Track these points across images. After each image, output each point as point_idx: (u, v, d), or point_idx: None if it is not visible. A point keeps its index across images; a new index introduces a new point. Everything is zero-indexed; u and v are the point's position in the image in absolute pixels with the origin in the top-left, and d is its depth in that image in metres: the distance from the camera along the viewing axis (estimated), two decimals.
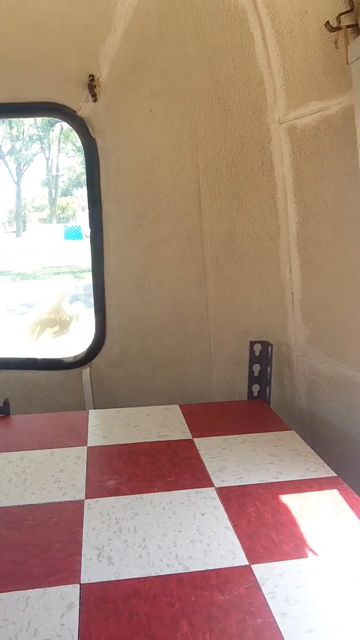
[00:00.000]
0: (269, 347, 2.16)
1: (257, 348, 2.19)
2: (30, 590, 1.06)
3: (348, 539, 1.22)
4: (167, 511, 1.33)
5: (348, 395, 1.96)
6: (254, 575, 1.09)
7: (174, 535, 1.23)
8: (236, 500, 1.38)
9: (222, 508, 1.34)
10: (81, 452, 1.69)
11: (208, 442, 1.74)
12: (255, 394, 2.18)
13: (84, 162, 2.55)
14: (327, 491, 1.42)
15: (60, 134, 30.08)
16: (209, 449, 1.69)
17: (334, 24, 1.60)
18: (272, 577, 1.09)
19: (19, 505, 1.38)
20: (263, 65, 1.89)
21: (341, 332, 1.95)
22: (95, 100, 2.19)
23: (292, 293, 2.13)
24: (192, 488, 1.45)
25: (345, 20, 1.58)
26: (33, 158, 30.79)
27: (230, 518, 1.30)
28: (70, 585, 1.07)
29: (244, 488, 1.44)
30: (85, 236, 23.09)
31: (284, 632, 0.94)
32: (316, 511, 1.33)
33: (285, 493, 1.41)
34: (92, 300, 2.53)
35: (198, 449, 1.70)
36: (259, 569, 1.11)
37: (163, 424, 1.91)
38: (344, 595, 1.04)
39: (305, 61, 1.77)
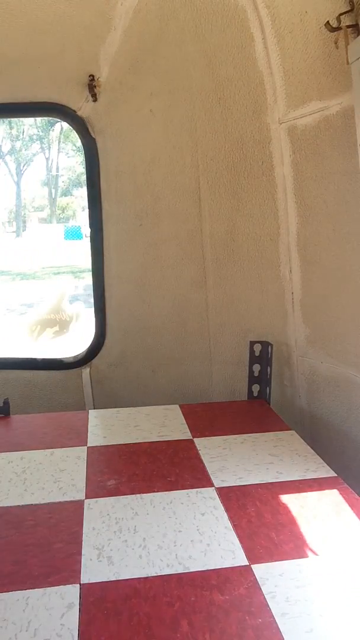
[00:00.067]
0: (269, 347, 2.16)
1: (257, 348, 2.19)
2: (30, 590, 1.06)
3: (348, 539, 1.22)
4: (167, 511, 1.33)
5: (348, 395, 1.96)
6: (254, 575, 1.09)
7: (174, 535, 1.23)
8: (236, 500, 1.38)
9: (222, 508, 1.34)
10: (81, 452, 1.69)
11: (208, 442, 1.74)
12: (255, 394, 2.18)
13: (84, 162, 2.54)
14: (327, 491, 1.42)
15: (60, 134, 30.09)
16: (209, 449, 1.69)
17: (334, 24, 1.60)
18: (272, 577, 1.09)
19: (19, 505, 1.38)
20: (263, 65, 1.89)
21: (341, 332, 1.95)
22: (95, 100, 2.19)
23: (292, 293, 2.13)
24: (192, 488, 1.45)
25: (345, 20, 1.58)
26: (33, 158, 30.80)
27: (230, 518, 1.30)
28: (70, 585, 1.07)
29: (244, 488, 1.44)
30: (85, 236, 23.09)
31: (284, 632, 0.94)
32: (316, 511, 1.33)
33: (285, 493, 1.41)
34: (92, 300, 2.53)
35: (198, 449, 1.70)
36: (259, 569, 1.11)
37: (163, 424, 1.91)
38: (344, 595, 1.04)
39: (305, 61, 1.77)
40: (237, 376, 2.35)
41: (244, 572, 1.10)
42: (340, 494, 1.41)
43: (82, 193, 30.73)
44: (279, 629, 0.95)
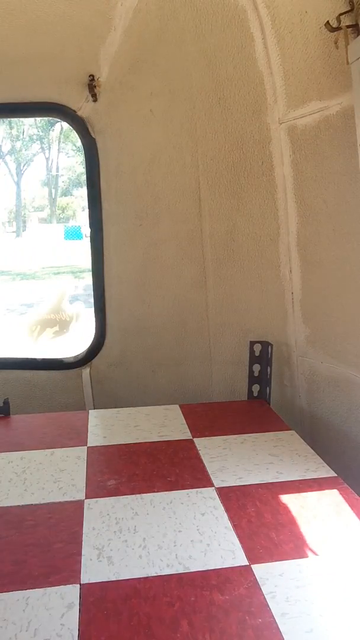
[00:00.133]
0: (269, 347, 2.16)
1: (257, 348, 2.19)
2: (30, 590, 1.06)
3: (348, 539, 1.22)
4: (167, 511, 1.33)
5: (348, 395, 1.96)
6: (254, 575, 1.09)
7: (174, 535, 1.23)
8: (236, 500, 1.38)
9: (222, 508, 1.34)
10: (81, 452, 1.69)
11: (208, 442, 1.74)
12: (255, 394, 2.18)
13: (84, 162, 2.54)
14: (327, 491, 1.42)
15: (60, 134, 30.10)
16: (209, 449, 1.69)
17: (334, 24, 1.60)
18: (272, 577, 1.09)
19: (19, 505, 1.38)
20: (263, 65, 1.89)
21: (341, 332, 1.95)
22: (95, 100, 2.19)
23: (292, 293, 2.13)
24: (192, 488, 1.45)
25: (345, 20, 1.58)
26: (33, 158, 30.81)
27: (230, 518, 1.30)
28: (70, 585, 1.07)
29: (244, 488, 1.44)
30: (85, 236, 23.10)
31: (284, 632, 0.94)
32: (316, 511, 1.33)
33: (285, 493, 1.41)
34: (92, 300, 2.53)
35: (198, 449, 1.70)
36: (259, 569, 1.11)
37: (163, 424, 1.91)
38: (344, 595, 1.04)
39: (305, 61, 1.77)
40: (237, 376, 2.35)
41: (244, 572, 1.10)
42: (340, 494, 1.41)
43: (82, 193, 30.75)
44: (279, 629, 0.95)
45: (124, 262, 2.39)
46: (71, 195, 33.66)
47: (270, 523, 1.27)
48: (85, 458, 1.64)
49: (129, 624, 0.97)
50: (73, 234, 27.35)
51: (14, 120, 24.79)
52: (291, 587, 1.06)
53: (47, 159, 31.12)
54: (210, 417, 1.98)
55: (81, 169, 28.44)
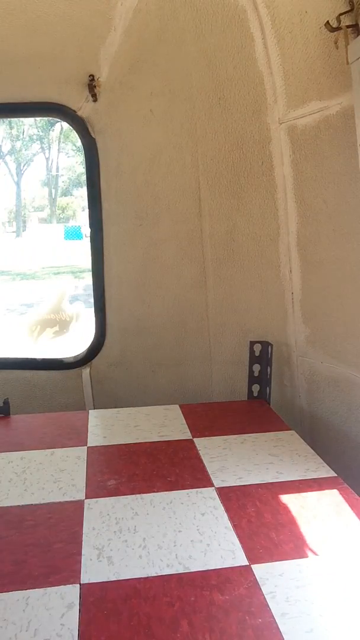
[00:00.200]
0: (269, 347, 2.16)
1: (257, 348, 2.19)
2: (30, 590, 1.06)
3: (348, 539, 1.22)
4: (167, 511, 1.33)
5: (348, 395, 1.96)
6: (254, 575, 1.09)
7: (174, 535, 1.23)
8: (236, 500, 1.38)
9: (222, 508, 1.34)
10: (81, 452, 1.69)
11: (208, 442, 1.74)
12: (255, 394, 2.18)
13: (84, 162, 2.54)
14: (327, 491, 1.42)
15: (60, 134, 30.09)
16: (209, 449, 1.69)
17: (334, 24, 1.60)
18: (272, 577, 1.09)
19: (19, 505, 1.38)
20: (263, 65, 1.89)
21: (341, 332, 1.95)
22: (95, 100, 2.19)
23: (292, 293, 2.13)
24: (192, 488, 1.45)
25: (345, 20, 1.58)
26: (33, 158, 30.81)
27: (230, 518, 1.30)
28: (70, 585, 1.07)
29: (244, 488, 1.44)
30: (85, 236, 23.10)
31: (284, 632, 0.94)
32: (316, 511, 1.33)
33: (285, 493, 1.41)
34: (92, 300, 2.53)
35: (198, 449, 1.70)
36: (259, 569, 1.11)
37: (163, 424, 1.91)
38: (344, 595, 1.04)
39: (305, 61, 1.77)
40: (237, 376, 2.35)
41: (244, 572, 1.10)
42: (340, 494, 1.41)
43: (82, 193, 30.75)
44: (279, 629, 0.95)
45: (124, 262, 2.39)
46: (71, 195, 33.67)
47: (270, 523, 1.27)
48: (85, 458, 1.64)
49: (129, 624, 0.97)
50: (73, 234, 27.35)
51: (14, 120, 24.79)
52: (291, 587, 1.06)
53: (47, 159, 31.13)
54: (210, 417, 1.98)
55: (81, 169, 28.45)
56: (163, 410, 2.05)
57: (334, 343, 1.99)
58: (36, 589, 1.06)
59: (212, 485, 1.46)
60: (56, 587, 1.06)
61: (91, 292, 2.52)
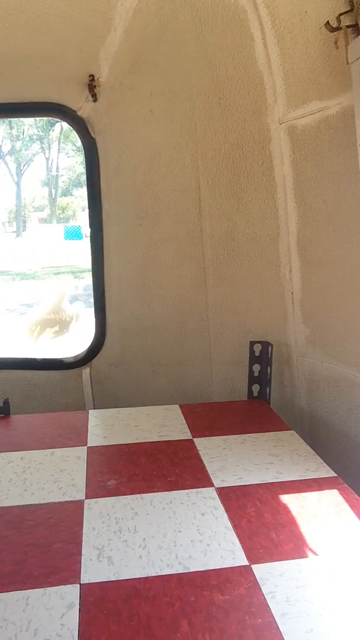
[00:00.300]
0: (269, 347, 2.16)
1: (257, 348, 2.19)
2: (30, 590, 1.06)
3: (348, 539, 1.22)
4: (167, 511, 1.33)
5: (348, 395, 1.96)
6: (254, 575, 1.09)
7: (174, 535, 1.23)
8: (236, 500, 1.38)
9: (222, 508, 1.34)
10: (81, 452, 1.69)
11: (208, 442, 1.74)
12: (255, 394, 2.18)
13: (84, 162, 2.55)
14: (327, 491, 1.42)
15: (60, 134, 30.10)
16: (209, 449, 1.69)
17: (334, 24, 1.60)
18: (272, 577, 1.09)
19: (19, 505, 1.38)
20: (263, 65, 1.89)
21: (341, 332, 1.95)
22: (95, 100, 2.19)
23: (292, 293, 2.13)
24: (192, 488, 1.45)
25: (345, 20, 1.58)
26: (33, 158, 30.82)
27: (230, 518, 1.30)
28: (70, 585, 1.07)
29: (244, 488, 1.44)
30: (85, 236, 23.10)
31: (284, 632, 0.94)
32: (316, 511, 1.33)
33: (285, 493, 1.41)
34: (92, 300, 2.53)
35: (198, 449, 1.70)
36: (259, 569, 1.11)
37: (163, 424, 1.91)
38: (344, 595, 1.04)
39: (305, 61, 1.77)
40: (237, 376, 2.35)
41: (244, 572, 1.10)
42: (340, 494, 1.41)
43: (82, 193, 30.76)
44: (279, 629, 0.95)
45: (124, 262, 2.39)
46: (71, 195, 33.68)
47: (270, 523, 1.27)
48: (85, 458, 1.64)
49: (129, 624, 0.97)
50: (73, 234, 27.36)
51: (14, 120, 24.81)
52: (291, 587, 1.06)
53: (47, 159, 31.15)
54: (210, 417, 1.98)
55: (81, 169, 28.45)
56: (163, 410, 2.05)
57: (334, 343, 1.99)
58: (36, 589, 1.06)
59: (212, 485, 1.46)
60: (56, 587, 1.06)
61: (91, 292, 2.52)
